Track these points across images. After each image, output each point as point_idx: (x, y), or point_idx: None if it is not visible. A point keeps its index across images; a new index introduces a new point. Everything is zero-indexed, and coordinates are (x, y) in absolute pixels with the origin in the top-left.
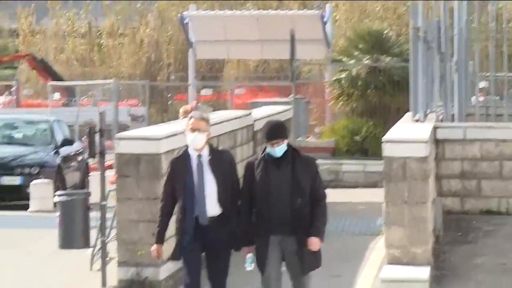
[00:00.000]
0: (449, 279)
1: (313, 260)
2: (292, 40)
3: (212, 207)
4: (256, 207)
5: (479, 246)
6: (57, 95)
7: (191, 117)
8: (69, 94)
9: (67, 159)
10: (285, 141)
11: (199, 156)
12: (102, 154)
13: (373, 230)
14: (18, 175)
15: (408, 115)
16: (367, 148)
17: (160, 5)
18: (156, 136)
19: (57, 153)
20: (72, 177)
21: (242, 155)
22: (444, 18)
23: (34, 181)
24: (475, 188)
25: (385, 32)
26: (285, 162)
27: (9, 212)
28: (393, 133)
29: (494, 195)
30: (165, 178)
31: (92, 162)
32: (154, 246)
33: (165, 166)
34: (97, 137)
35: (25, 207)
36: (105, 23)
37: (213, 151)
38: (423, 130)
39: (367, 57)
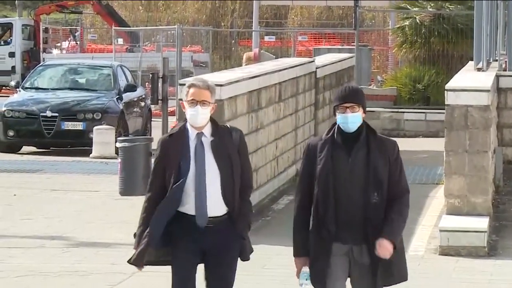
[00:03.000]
0: (508, 230)
1: (388, 272)
2: None
3: (214, 204)
4: (315, 204)
5: None
6: (120, 40)
7: (191, 85)
8: (133, 39)
9: (129, 105)
10: (361, 111)
11: (200, 135)
12: (165, 100)
13: (434, 179)
14: (80, 120)
15: (470, 63)
16: (429, 96)
17: None
18: (218, 82)
19: (120, 98)
20: (135, 123)
21: (304, 103)
22: None
23: (97, 127)
24: None
25: None
26: (358, 144)
27: (71, 158)
28: (455, 81)
29: None
30: (154, 163)
31: (154, 108)
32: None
33: (227, 112)
34: (160, 83)
35: (87, 153)
36: None
37: (219, 129)
38: (486, 79)
39: (431, 4)
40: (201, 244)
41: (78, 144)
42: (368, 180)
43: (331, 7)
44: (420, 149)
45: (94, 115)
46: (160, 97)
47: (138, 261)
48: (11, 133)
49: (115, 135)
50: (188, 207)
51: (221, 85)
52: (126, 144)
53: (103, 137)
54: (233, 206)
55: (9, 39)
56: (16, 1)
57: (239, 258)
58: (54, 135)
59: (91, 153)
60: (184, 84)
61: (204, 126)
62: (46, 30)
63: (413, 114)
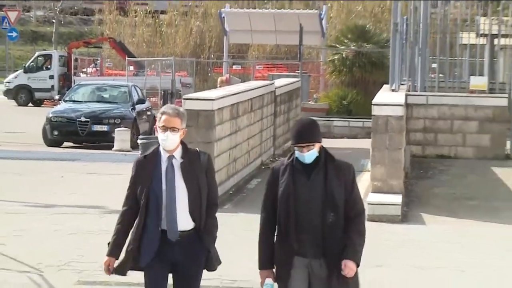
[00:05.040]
0: (415, 204)
1: (346, 285)
2: (301, 31)
3: (183, 220)
4: (278, 222)
5: (435, 181)
6: (131, 67)
7: (163, 113)
8: (139, 67)
9: (140, 113)
10: (317, 145)
11: (171, 158)
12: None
13: (358, 168)
14: (105, 124)
15: (385, 86)
16: (351, 109)
17: (205, 4)
18: (209, 97)
19: (133, 109)
20: (143, 126)
21: (267, 113)
22: (411, 15)
23: (117, 129)
24: (433, 139)
25: (367, 26)
26: (317, 169)
27: (99, 151)
28: (378, 98)
29: (446, 144)
30: (130, 181)
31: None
32: (106, 258)
33: (217, 119)
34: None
35: (110, 147)
36: (165, 17)
37: (188, 152)
38: (399, 97)
39: (354, 44)
40: (170, 256)
41: (104, 141)
42: (325, 203)
43: (279, 45)
44: (345, 147)
45: (115, 120)
46: None
47: (122, 271)
48: (55, 132)
49: (130, 135)
50: (160, 222)
51: (212, 100)
52: (145, 141)
53: (122, 136)
54: (199, 222)
55: (49, 66)
56: (53, 39)
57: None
58: (86, 135)
59: (113, 147)
60: (186, 99)
61: (175, 149)
62: (75, 60)
63: (340, 121)
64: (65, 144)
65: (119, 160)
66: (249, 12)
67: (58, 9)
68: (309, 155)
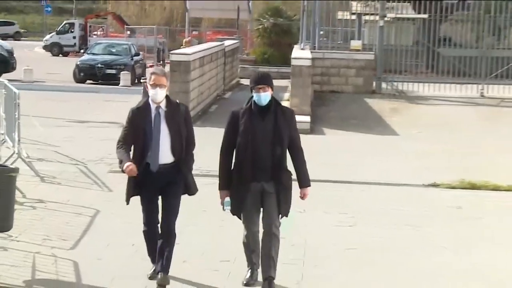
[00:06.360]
0: (317, 122)
1: (287, 207)
2: (238, 10)
3: (165, 155)
4: (237, 154)
5: (330, 107)
6: (127, 33)
7: (152, 73)
8: (132, 31)
9: (136, 62)
10: (270, 90)
11: (158, 108)
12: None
13: (278, 98)
14: (114, 69)
15: (296, 46)
16: (270, 60)
17: None
18: (186, 53)
19: (132, 59)
20: (138, 70)
21: (220, 63)
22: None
23: (122, 72)
24: (327, 80)
25: (280, 7)
26: (268, 113)
27: (110, 86)
28: (295, 54)
29: (335, 83)
30: (125, 124)
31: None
32: (127, 164)
33: (192, 66)
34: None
35: (117, 84)
36: None
37: (170, 103)
38: (307, 53)
39: (271, 19)
40: (156, 183)
41: (113, 80)
42: (274, 138)
43: (222, 18)
44: None
45: (120, 67)
46: (160, 59)
47: (128, 199)
48: (81, 74)
49: (130, 76)
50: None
51: (189, 54)
52: (144, 80)
53: (125, 77)
54: (179, 157)
55: (72, 30)
56: (73, 12)
57: (187, 194)
58: (102, 76)
59: (119, 84)
60: (172, 53)
61: (161, 101)
62: (90, 26)
63: (263, 68)
64: (88, 81)
65: (124, 92)
66: None
67: None
68: (264, 95)
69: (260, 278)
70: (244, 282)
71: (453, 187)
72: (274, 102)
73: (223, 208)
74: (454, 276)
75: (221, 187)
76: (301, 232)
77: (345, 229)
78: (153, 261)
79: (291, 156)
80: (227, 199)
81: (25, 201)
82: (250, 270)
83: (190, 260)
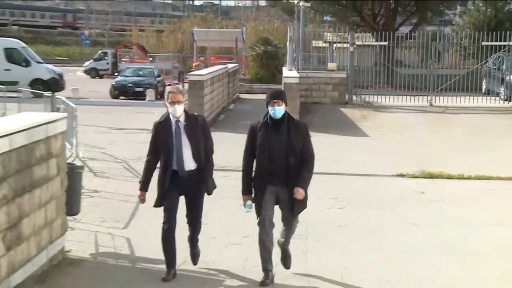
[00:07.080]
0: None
1: (300, 205)
2: (236, 40)
3: (188, 163)
4: (257, 163)
5: (314, 115)
6: (150, 59)
7: (170, 92)
8: (153, 58)
9: (158, 82)
10: (284, 105)
11: (177, 121)
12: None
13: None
14: (141, 87)
15: (285, 67)
16: (262, 79)
17: (186, 25)
18: (201, 74)
19: (155, 79)
20: (160, 89)
21: (225, 81)
22: (294, 31)
23: (148, 90)
24: (310, 94)
25: (269, 38)
26: (283, 126)
27: (139, 101)
28: (286, 74)
29: (316, 96)
30: (150, 139)
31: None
32: (139, 193)
33: (205, 84)
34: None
35: (144, 99)
36: (164, 33)
37: (188, 117)
38: (295, 73)
39: (262, 46)
40: (182, 186)
41: (140, 96)
42: (288, 149)
43: (222, 47)
44: (260, 98)
45: (146, 85)
46: (180, 79)
47: (157, 204)
48: (116, 92)
49: (154, 93)
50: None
51: (203, 75)
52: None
53: (150, 94)
54: (200, 164)
55: (106, 58)
56: (105, 43)
57: (206, 193)
58: (132, 93)
59: (145, 99)
60: (189, 75)
61: (180, 116)
62: (119, 54)
63: (257, 85)
64: (121, 97)
65: (150, 105)
66: (207, 30)
67: (108, 28)
68: (279, 109)
69: (275, 280)
70: (259, 282)
71: (416, 177)
72: (288, 116)
73: (245, 210)
74: (424, 242)
75: (243, 192)
76: (302, 214)
77: (337, 211)
78: (168, 266)
79: (301, 164)
80: (249, 202)
81: (84, 191)
82: (265, 273)
83: (217, 237)
